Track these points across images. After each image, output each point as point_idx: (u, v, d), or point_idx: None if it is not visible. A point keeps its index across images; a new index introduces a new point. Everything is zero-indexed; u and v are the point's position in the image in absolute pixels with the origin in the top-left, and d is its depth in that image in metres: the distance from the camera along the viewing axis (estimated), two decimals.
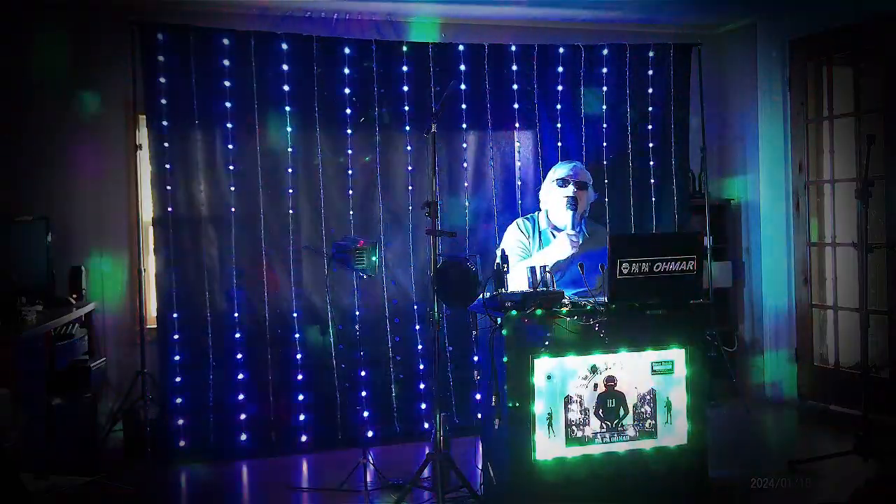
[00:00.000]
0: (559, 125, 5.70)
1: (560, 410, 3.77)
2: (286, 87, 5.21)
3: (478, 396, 4.95)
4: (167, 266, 5.06)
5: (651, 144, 5.87)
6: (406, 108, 5.42)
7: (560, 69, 5.69)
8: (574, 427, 3.79)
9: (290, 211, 5.24)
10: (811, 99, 6.03)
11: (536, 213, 4.59)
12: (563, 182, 4.39)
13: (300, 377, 5.21)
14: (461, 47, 5.51)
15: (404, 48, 5.41)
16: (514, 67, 5.59)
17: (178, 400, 5.05)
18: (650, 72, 5.86)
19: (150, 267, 5.18)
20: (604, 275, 3.93)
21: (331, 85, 5.29)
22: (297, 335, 5.22)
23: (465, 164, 5.56)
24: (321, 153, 5.29)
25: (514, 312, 3.70)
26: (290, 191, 5.24)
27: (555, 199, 4.41)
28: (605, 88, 5.78)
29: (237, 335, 5.15)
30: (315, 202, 5.28)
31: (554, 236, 4.38)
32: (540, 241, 4.42)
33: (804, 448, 5.01)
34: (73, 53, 5.21)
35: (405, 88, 5.41)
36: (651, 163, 5.88)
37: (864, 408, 4.53)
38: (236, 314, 5.15)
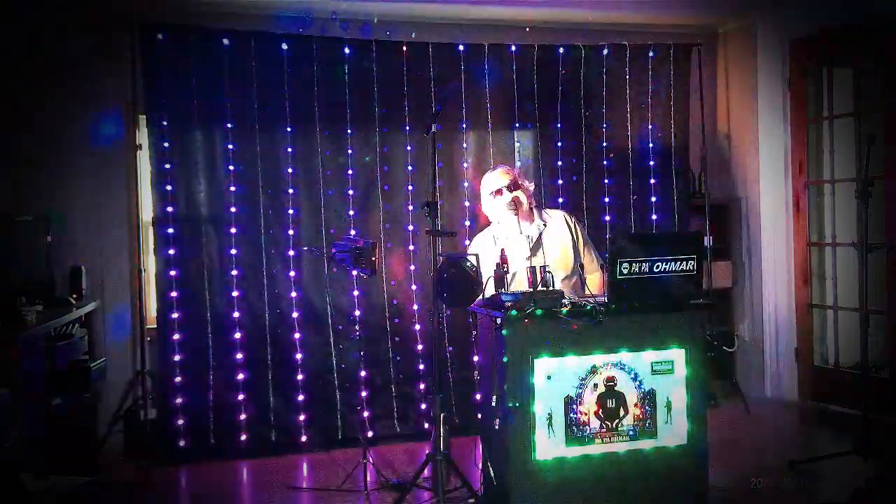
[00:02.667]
0: (559, 125, 5.70)
1: (560, 410, 3.76)
2: (286, 87, 5.21)
3: (478, 396, 4.94)
4: (167, 266, 5.06)
5: (651, 144, 5.87)
6: (406, 108, 5.42)
7: (560, 69, 5.69)
8: (574, 427, 3.78)
9: (290, 211, 5.24)
10: (811, 99, 6.03)
11: (489, 227, 4.50)
12: (497, 192, 4.34)
13: (300, 377, 5.21)
14: (461, 47, 5.51)
15: (404, 48, 5.41)
16: (514, 67, 5.60)
17: (178, 400, 5.05)
18: (650, 72, 5.86)
19: (150, 267, 5.18)
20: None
21: (331, 85, 5.29)
22: (297, 335, 5.22)
23: (465, 164, 5.56)
24: (321, 153, 5.30)
25: (514, 312, 3.70)
26: (290, 191, 5.24)
27: (497, 210, 4.35)
28: (605, 88, 5.78)
29: (237, 335, 5.15)
30: (315, 202, 5.28)
31: (507, 238, 4.32)
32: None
33: (804, 448, 5.01)
34: (73, 53, 5.21)
35: (405, 88, 5.42)
36: (651, 163, 5.88)
37: (864, 408, 4.53)
38: (236, 314, 5.15)
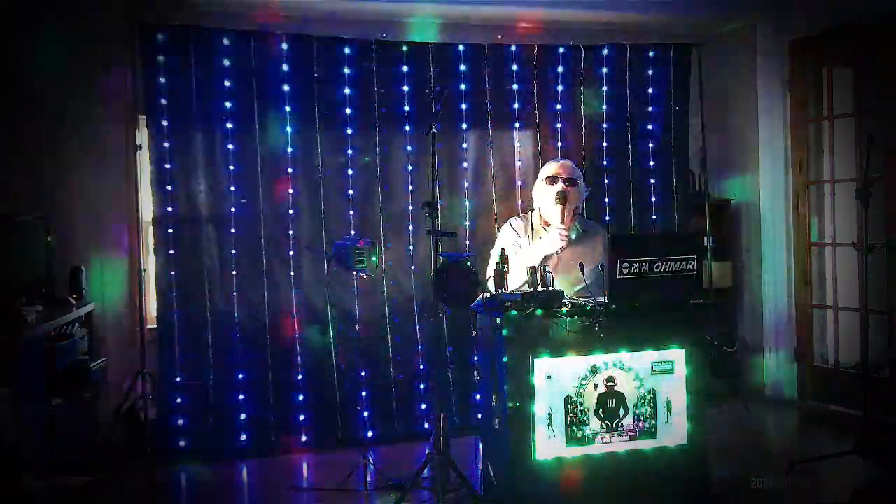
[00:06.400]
0: (559, 125, 5.70)
1: (560, 410, 3.77)
2: (286, 87, 5.21)
3: (478, 396, 4.94)
4: (167, 266, 5.06)
5: (651, 144, 5.87)
6: (406, 108, 5.42)
7: (560, 69, 5.68)
8: (574, 427, 3.79)
9: (290, 211, 5.24)
10: (811, 99, 6.03)
11: (530, 212, 4.61)
12: (552, 179, 4.42)
13: (300, 377, 5.21)
14: (461, 47, 5.50)
15: (404, 48, 5.41)
16: (514, 67, 5.59)
17: (178, 400, 5.05)
18: (650, 72, 5.86)
19: (150, 267, 5.18)
20: (589, 272, 4.05)
21: (331, 85, 5.29)
22: (297, 335, 5.22)
23: (465, 164, 5.56)
24: (321, 153, 5.30)
25: (514, 312, 3.70)
26: (290, 191, 5.24)
27: (545, 196, 4.44)
28: (605, 88, 5.78)
29: (237, 335, 5.14)
30: (315, 202, 5.28)
31: (545, 230, 4.41)
32: (532, 238, 4.45)
33: (804, 448, 5.01)
34: (73, 53, 5.21)
35: (405, 88, 5.41)
36: (651, 163, 5.87)
37: (864, 408, 4.53)
38: (236, 314, 5.15)
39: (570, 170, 4.49)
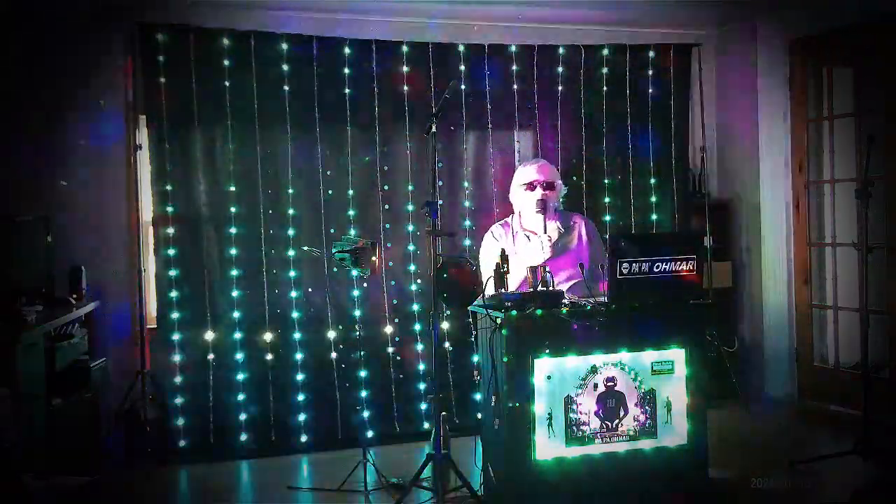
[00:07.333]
0: (559, 125, 5.71)
1: (560, 410, 3.77)
2: (286, 87, 5.22)
3: (478, 396, 4.95)
4: (167, 266, 5.06)
5: (651, 144, 5.87)
6: (406, 108, 5.42)
7: (560, 69, 5.70)
8: (574, 427, 3.79)
9: (290, 211, 5.24)
10: (811, 99, 6.03)
11: (511, 216, 4.56)
12: (530, 186, 4.35)
13: (300, 377, 5.22)
14: (461, 47, 5.51)
15: (404, 48, 5.42)
16: (514, 67, 5.60)
17: (178, 400, 5.06)
18: (650, 72, 5.87)
19: (150, 267, 5.18)
20: (586, 270, 4.07)
21: (331, 85, 5.29)
22: (297, 335, 5.23)
23: (465, 164, 5.56)
24: (321, 153, 5.30)
25: (514, 312, 3.70)
26: (290, 191, 5.24)
27: (525, 203, 4.37)
28: (605, 88, 5.79)
29: (237, 335, 5.15)
30: (315, 202, 5.29)
31: (528, 239, 4.37)
32: (514, 244, 4.40)
33: (804, 448, 5.01)
34: (73, 53, 5.20)
35: (405, 88, 5.42)
36: (651, 163, 5.88)
37: (864, 408, 4.53)
38: (236, 314, 5.15)
39: (547, 172, 4.41)
